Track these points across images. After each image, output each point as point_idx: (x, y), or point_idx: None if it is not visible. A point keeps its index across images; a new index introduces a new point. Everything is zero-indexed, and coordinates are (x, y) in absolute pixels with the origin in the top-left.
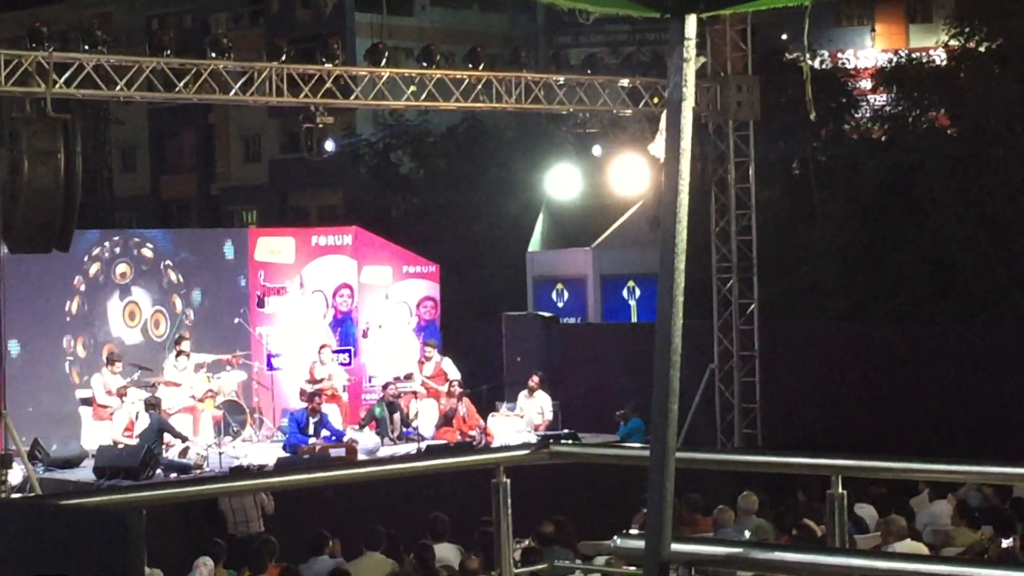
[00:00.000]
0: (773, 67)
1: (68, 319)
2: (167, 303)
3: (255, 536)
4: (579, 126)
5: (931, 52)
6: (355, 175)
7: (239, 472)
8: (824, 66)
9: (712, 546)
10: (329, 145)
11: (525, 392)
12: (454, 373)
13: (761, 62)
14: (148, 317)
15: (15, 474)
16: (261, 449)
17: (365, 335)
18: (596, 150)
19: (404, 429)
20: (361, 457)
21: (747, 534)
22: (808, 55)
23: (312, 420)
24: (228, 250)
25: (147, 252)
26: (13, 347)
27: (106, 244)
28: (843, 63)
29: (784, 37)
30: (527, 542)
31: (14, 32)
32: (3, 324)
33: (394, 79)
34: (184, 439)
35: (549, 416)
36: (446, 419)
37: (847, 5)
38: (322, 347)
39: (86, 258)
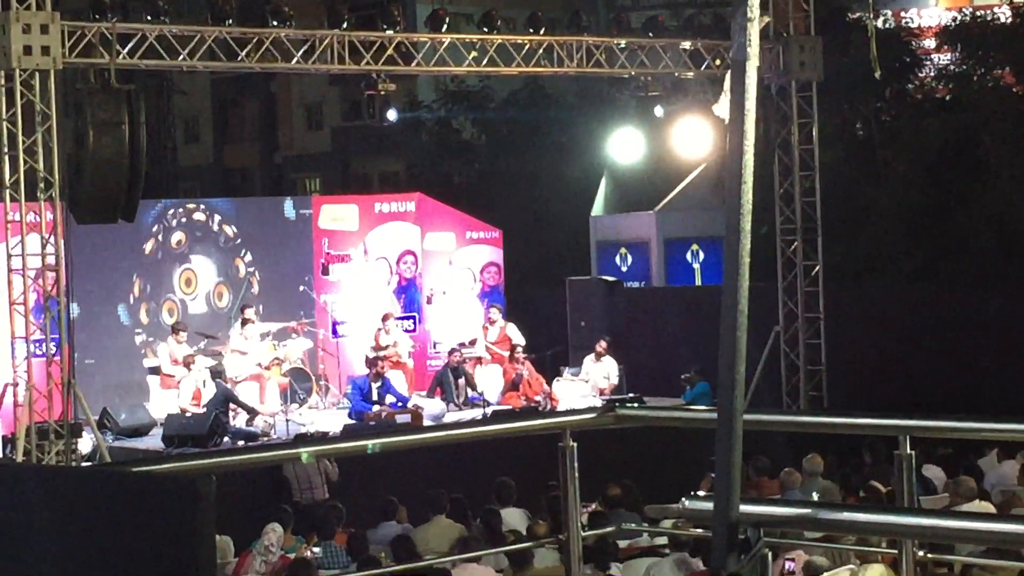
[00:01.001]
0: (836, 27)
1: (134, 289)
2: (231, 272)
3: (320, 503)
4: (640, 89)
5: (996, 9)
6: (417, 142)
7: (302, 439)
8: (887, 25)
9: (781, 507)
10: (391, 115)
11: (592, 356)
12: (518, 338)
13: (823, 23)
14: (212, 287)
15: (85, 443)
16: (328, 416)
17: (429, 301)
18: (658, 111)
19: (470, 394)
20: (427, 423)
21: (814, 496)
22: (871, 13)
23: (375, 386)
24: (289, 211)
25: (210, 221)
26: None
27: (169, 213)
28: (906, 22)
29: None
30: (594, 506)
31: (77, 4)
32: (70, 295)
33: (455, 45)
34: (250, 410)
35: (615, 380)
36: (512, 384)
37: None
38: (386, 316)
39: (152, 228)
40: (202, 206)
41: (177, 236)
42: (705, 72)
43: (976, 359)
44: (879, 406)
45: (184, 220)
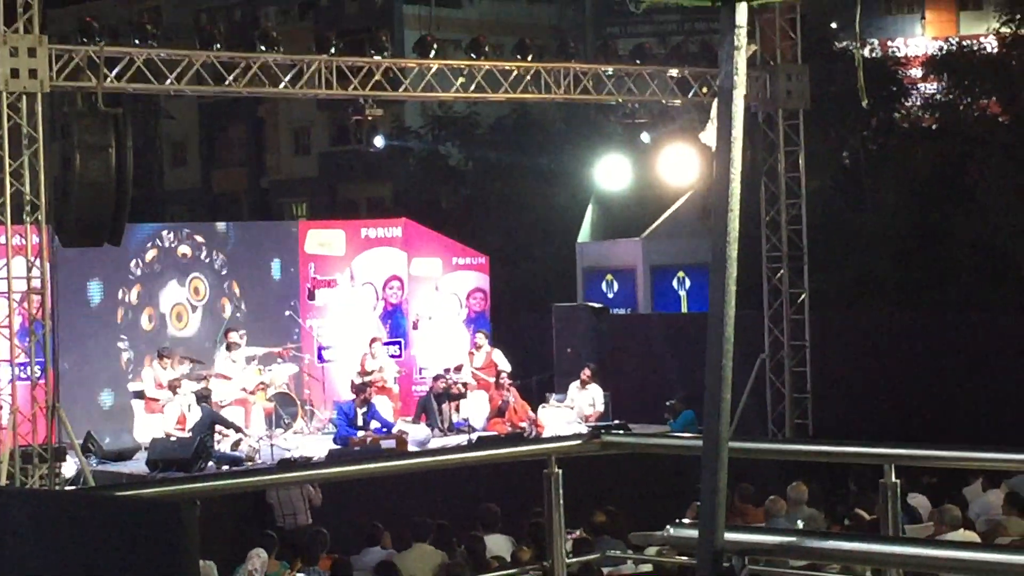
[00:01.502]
0: (823, 56)
1: (119, 313)
2: (217, 296)
3: (303, 528)
4: (628, 116)
5: (982, 39)
6: (404, 167)
7: (286, 465)
8: (874, 54)
9: (765, 535)
10: (379, 141)
11: (577, 383)
12: (504, 364)
13: (810, 51)
14: (201, 308)
15: (69, 467)
16: (312, 441)
17: (415, 327)
18: (645, 138)
19: (454, 421)
20: (411, 449)
21: (799, 524)
22: (859, 43)
23: (360, 411)
24: (275, 268)
25: (196, 246)
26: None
27: (156, 239)
28: (893, 51)
29: (834, 26)
30: (578, 533)
31: (65, 27)
32: (55, 320)
33: (443, 71)
34: (237, 429)
35: (600, 408)
36: (497, 411)
37: None
38: (373, 340)
39: (136, 253)
40: (185, 232)
41: (170, 262)
42: (692, 99)
43: (962, 387)
44: (865, 434)
45: (177, 245)
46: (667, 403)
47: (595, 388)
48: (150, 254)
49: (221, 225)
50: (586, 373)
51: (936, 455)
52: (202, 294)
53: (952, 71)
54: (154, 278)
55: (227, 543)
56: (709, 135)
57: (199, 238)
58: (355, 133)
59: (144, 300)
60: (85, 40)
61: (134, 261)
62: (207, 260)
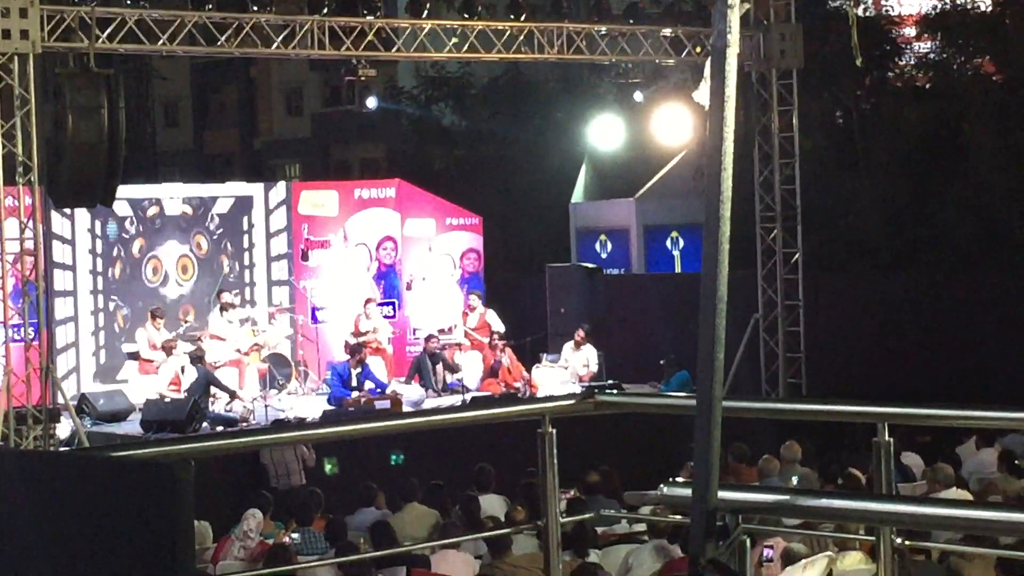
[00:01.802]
0: (816, 15)
1: (112, 274)
2: (212, 257)
3: (297, 489)
4: (621, 76)
5: None
6: (397, 128)
7: (280, 426)
8: (867, 13)
9: (759, 493)
10: (371, 102)
11: (571, 344)
12: (498, 325)
13: (803, 10)
14: (193, 270)
15: (63, 428)
16: (306, 402)
17: (409, 288)
18: (638, 97)
19: (448, 381)
20: (406, 409)
21: (793, 483)
22: (852, 1)
23: (355, 372)
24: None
25: (188, 206)
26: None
27: (149, 198)
28: (887, 10)
29: None
30: (572, 492)
31: None
32: (50, 282)
33: (436, 31)
34: (231, 392)
35: (594, 368)
36: (491, 371)
37: None
38: (367, 301)
39: (128, 213)
40: (179, 192)
41: (162, 222)
42: (686, 59)
43: (955, 347)
44: (858, 394)
45: (170, 206)
46: (660, 363)
47: (589, 349)
48: (152, 211)
49: (211, 186)
50: (580, 334)
51: (929, 413)
52: (204, 249)
53: (946, 30)
54: (155, 232)
55: (222, 504)
56: (702, 94)
57: (189, 198)
58: (347, 94)
59: (145, 253)
60: (76, 1)
61: (123, 221)
62: (197, 222)
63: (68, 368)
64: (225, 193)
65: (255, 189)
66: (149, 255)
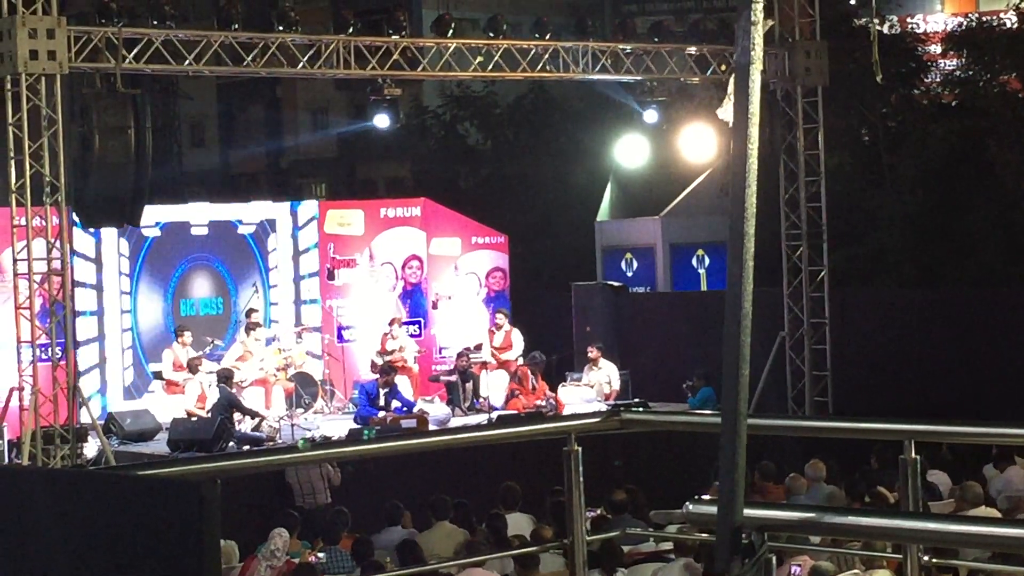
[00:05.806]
0: (841, 33)
1: (139, 292)
2: (239, 277)
3: (322, 508)
4: (646, 95)
5: (1002, 15)
6: (422, 147)
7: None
8: (893, 31)
9: (785, 511)
10: (381, 120)
11: (588, 364)
12: (519, 345)
13: (829, 28)
14: (220, 291)
15: (90, 447)
16: (333, 421)
17: (435, 306)
18: (650, 116)
19: (475, 400)
20: (432, 428)
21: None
22: (876, 19)
23: (383, 392)
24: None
25: (214, 226)
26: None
27: (176, 218)
28: (912, 27)
29: (852, 2)
30: (599, 511)
31: (84, 8)
32: (73, 301)
33: (461, 50)
34: (251, 413)
35: (617, 385)
36: (512, 392)
37: None
38: (393, 320)
39: (157, 233)
40: (206, 212)
41: (189, 242)
42: (711, 77)
43: (982, 364)
44: (885, 411)
45: (197, 225)
46: (686, 384)
47: (608, 365)
48: (165, 237)
49: (238, 206)
50: (593, 352)
51: (956, 431)
52: (219, 278)
53: (972, 47)
54: (170, 259)
55: (248, 523)
56: (726, 111)
57: (216, 218)
58: (373, 113)
59: (161, 279)
60: (103, 21)
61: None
62: (224, 241)
63: (95, 388)
64: (249, 214)
65: (279, 210)
66: (175, 275)
